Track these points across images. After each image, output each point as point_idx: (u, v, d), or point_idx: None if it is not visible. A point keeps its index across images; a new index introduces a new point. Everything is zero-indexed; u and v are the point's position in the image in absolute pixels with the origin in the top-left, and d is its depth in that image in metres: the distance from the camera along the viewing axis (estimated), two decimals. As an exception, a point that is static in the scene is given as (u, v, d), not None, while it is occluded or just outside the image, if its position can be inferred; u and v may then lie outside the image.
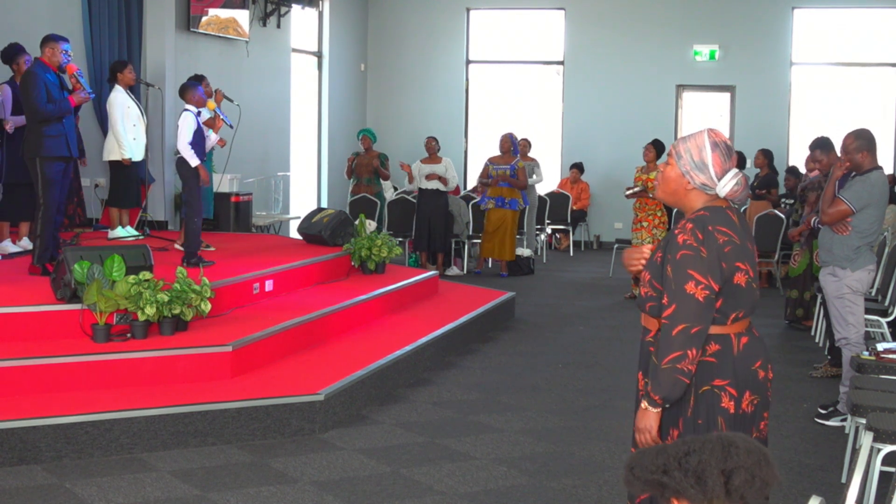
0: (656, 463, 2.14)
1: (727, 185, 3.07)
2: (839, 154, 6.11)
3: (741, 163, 12.65)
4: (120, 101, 9.01)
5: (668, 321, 2.98)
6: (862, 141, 5.89)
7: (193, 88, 8.09)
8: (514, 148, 11.68)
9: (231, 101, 9.34)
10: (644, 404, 3.06)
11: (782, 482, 4.80)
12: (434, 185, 11.58)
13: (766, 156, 12.53)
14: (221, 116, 8.44)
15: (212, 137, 8.18)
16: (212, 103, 8.32)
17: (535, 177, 12.98)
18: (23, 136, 7.56)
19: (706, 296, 2.97)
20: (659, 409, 3.04)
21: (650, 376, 3.04)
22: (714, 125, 14.26)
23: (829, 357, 7.22)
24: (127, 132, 9.00)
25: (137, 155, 9.15)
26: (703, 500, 2.07)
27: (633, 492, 2.16)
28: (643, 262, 3.28)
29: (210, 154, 9.08)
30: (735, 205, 3.16)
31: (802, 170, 10.09)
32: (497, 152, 11.76)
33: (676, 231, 3.06)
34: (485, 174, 11.70)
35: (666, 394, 2.99)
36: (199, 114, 8.00)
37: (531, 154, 13.26)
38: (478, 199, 12.05)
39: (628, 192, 10.40)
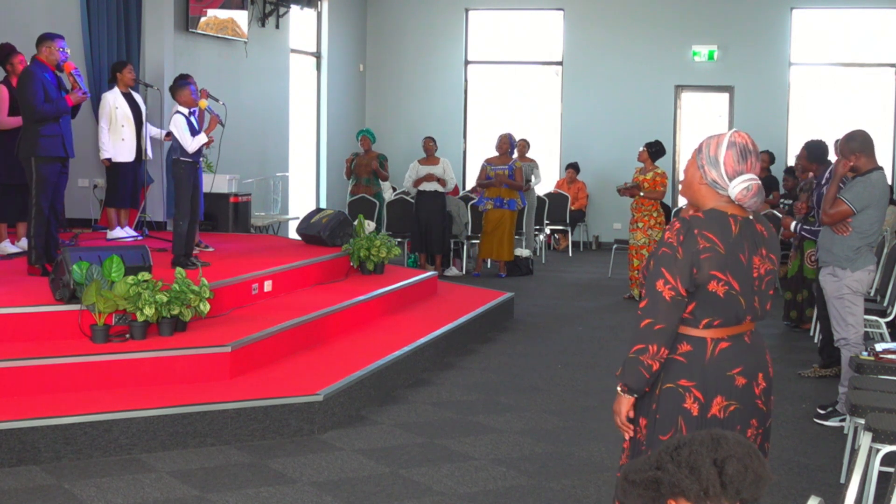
0: (649, 462, 2.15)
1: (737, 187, 3.06)
2: (838, 156, 6.11)
3: (770, 160, 12.63)
4: (108, 101, 9.04)
5: (640, 313, 3.08)
6: (855, 143, 5.87)
7: (184, 88, 7.97)
8: (511, 148, 11.68)
9: (217, 100, 9.30)
10: (618, 388, 3.15)
11: (776, 481, 4.79)
12: (432, 186, 11.58)
13: (768, 158, 12.55)
14: (215, 114, 8.37)
15: (201, 138, 8.04)
16: (203, 102, 8.27)
17: (534, 178, 12.98)
18: (18, 137, 7.56)
19: (672, 296, 3.02)
20: (630, 397, 3.13)
21: (622, 363, 3.13)
22: (713, 126, 14.34)
23: (820, 357, 7.22)
24: (115, 133, 9.02)
25: (125, 156, 9.13)
26: (700, 492, 2.08)
27: (631, 501, 2.17)
28: None
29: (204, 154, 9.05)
30: (748, 211, 3.12)
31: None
32: (494, 153, 11.77)
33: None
34: (483, 175, 11.69)
35: (628, 382, 3.09)
36: (192, 113, 7.93)
37: (530, 155, 13.27)
38: (476, 199, 12.06)
39: (621, 189, 10.42)
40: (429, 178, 11.54)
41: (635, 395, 3.12)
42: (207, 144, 8.43)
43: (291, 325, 6.78)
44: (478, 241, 11.99)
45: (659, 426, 3.07)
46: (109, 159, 9.06)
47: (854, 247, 5.86)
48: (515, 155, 12.94)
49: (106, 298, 5.89)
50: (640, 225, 10.21)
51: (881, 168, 5.95)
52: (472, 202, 12.14)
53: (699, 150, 3.14)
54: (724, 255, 3.02)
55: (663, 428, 3.06)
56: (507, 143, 11.63)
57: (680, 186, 3.38)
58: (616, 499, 2.25)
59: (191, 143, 7.72)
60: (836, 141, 9.93)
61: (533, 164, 13.07)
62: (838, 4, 14.71)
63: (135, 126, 9.17)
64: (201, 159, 8.02)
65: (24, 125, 7.36)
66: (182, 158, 7.75)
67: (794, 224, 6.91)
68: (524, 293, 10.43)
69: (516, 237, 12.39)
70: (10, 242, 8.39)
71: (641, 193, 10.12)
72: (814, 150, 6.93)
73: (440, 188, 11.60)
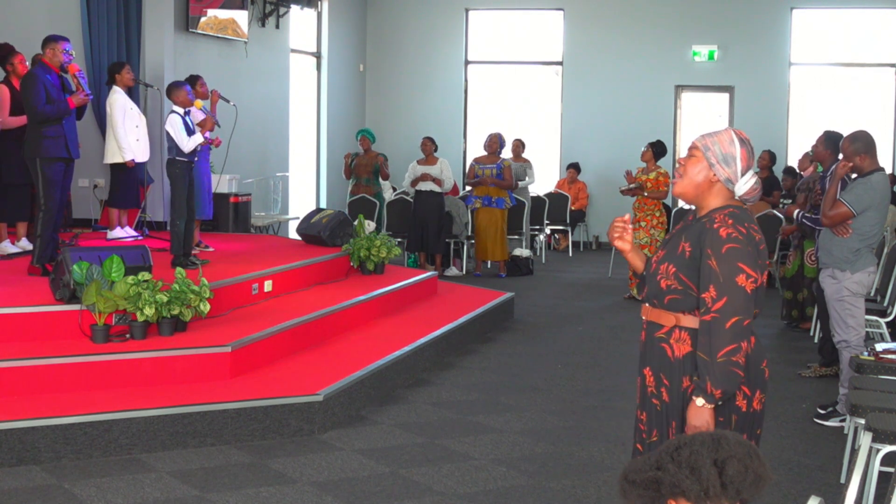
0: (649, 462, 2.15)
1: (747, 182, 3.11)
2: (839, 158, 6.08)
3: (772, 159, 12.62)
4: (121, 103, 8.98)
5: (718, 314, 2.98)
6: (859, 144, 5.86)
7: (180, 88, 7.97)
8: (500, 148, 11.71)
9: (228, 101, 9.32)
10: (700, 401, 3.00)
11: (776, 480, 4.78)
12: (428, 185, 11.60)
13: (770, 158, 12.56)
14: (211, 116, 8.38)
15: (196, 137, 7.99)
16: (199, 102, 8.26)
17: (528, 178, 13.00)
18: (20, 137, 7.58)
19: (753, 289, 3.01)
20: (713, 406, 3.01)
21: (701, 372, 3.00)
22: (713, 126, 14.33)
23: (820, 356, 7.22)
24: (129, 133, 9.00)
25: (142, 156, 9.15)
26: (700, 492, 2.08)
27: (630, 502, 2.17)
28: (626, 232, 3.31)
29: (206, 154, 9.06)
30: (746, 206, 3.19)
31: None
32: (482, 152, 11.78)
33: (716, 225, 3.05)
34: (471, 174, 11.69)
35: (725, 387, 2.98)
36: (187, 113, 7.93)
37: (524, 155, 13.27)
38: (454, 198, 12.03)
39: (623, 189, 10.42)
40: (424, 177, 11.55)
41: (719, 404, 3.03)
42: (216, 143, 8.40)
43: (291, 325, 6.78)
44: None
45: (720, 428, 3.01)
46: (133, 160, 9.04)
47: (853, 248, 5.84)
48: (509, 155, 12.99)
49: (106, 298, 5.89)
50: (643, 224, 10.21)
51: (883, 169, 5.93)
52: (466, 201, 12.10)
53: (706, 149, 3.13)
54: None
55: (723, 428, 3.01)
56: (497, 143, 11.65)
57: (649, 192, 3.42)
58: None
59: (186, 143, 7.72)
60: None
61: (527, 165, 13.08)
62: (838, 4, 14.70)
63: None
64: (196, 158, 7.98)
65: (28, 126, 7.39)
66: (177, 158, 7.74)
67: (796, 212, 6.90)
68: (524, 293, 10.43)
69: (516, 237, 12.42)
70: (10, 242, 8.39)
71: (645, 193, 10.12)
72: (833, 138, 6.88)
73: (436, 188, 11.61)
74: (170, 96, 8.04)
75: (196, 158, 7.95)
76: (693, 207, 3.25)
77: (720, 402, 3.02)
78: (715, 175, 3.11)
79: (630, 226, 3.36)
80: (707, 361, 2.99)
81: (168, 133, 7.76)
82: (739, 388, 3.07)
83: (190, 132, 7.77)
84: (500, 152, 11.71)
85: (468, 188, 11.98)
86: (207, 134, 8.10)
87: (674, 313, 3.13)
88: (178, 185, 7.75)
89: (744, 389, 3.07)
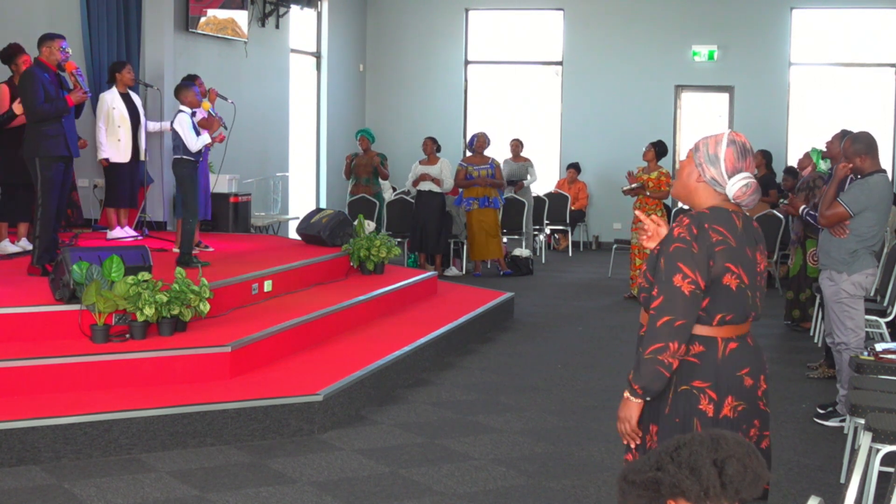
0: (649, 462, 2.16)
1: (736, 184, 3.06)
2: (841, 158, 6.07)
3: (768, 160, 12.58)
4: (107, 102, 9.07)
5: (654, 312, 3.01)
6: (860, 145, 5.84)
7: (188, 89, 8.08)
8: (486, 148, 11.76)
9: (226, 99, 9.32)
10: (626, 393, 3.09)
11: (776, 480, 4.78)
12: (427, 185, 11.61)
13: (764, 157, 12.57)
14: (217, 116, 8.42)
15: (204, 138, 8.07)
16: (207, 104, 8.31)
17: (530, 177, 13.00)
18: (22, 137, 7.58)
19: (692, 290, 2.98)
20: (640, 401, 3.07)
21: (633, 366, 3.07)
22: (713, 126, 14.35)
23: (825, 356, 7.21)
24: (109, 134, 9.04)
25: (122, 157, 9.14)
26: (700, 493, 2.08)
27: (630, 502, 2.16)
28: (653, 228, 3.30)
29: (206, 154, 9.07)
30: (744, 209, 3.15)
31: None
32: (468, 154, 11.84)
33: (674, 225, 3.07)
34: (462, 176, 11.67)
35: (645, 384, 3.02)
36: (193, 114, 7.98)
37: (524, 154, 13.28)
38: (454, 199, 12.01)
39: (625, 189, 10.42)
40: (424, 177, 11.57)
41: (647, 399, 3.06)
42: (219, 139, 8.45)
43: (291, 325, 6.78)
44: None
45: (676, 430, 3.01)
46: (107, 159, 9.08)
47: (850, 250, 5.81)
48: (508, 155, 13.01)
49: (106, 298, 5.89)
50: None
51: (884, 171, 5.89)
52: (454, 200, 12.05)
53: (696, 150, 3.14)
54: (735, 248, 3.04)
55: (681, 432, 2.97)
56: (485, 143, 11.70)
57: (651, 192, 3.40)
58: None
59: (195, 143, 7.76)
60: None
61: (528, 164, 13.08)
62: (838, 4, 14.71)
63: (131, 127, 9.17)
64: (200, 159, 8.02)
65: (27, 125, 7.39)
66: (185, 157, 7.80)
67: (802, 208, 6.88)
68: (524, 293, 10.43)
69: (516, 237, 12.41)
70: (10, 242, 8.39)
71: (647, 193, 10.11)
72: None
73: (435, 188, 11.62)
74: (178, 96, 8.11)
75: (200, 158, 8.00)
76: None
77: (647, 398, 3.07)
78: (700, 175, 3.12)
79: (653, 226, 3.28)
80: (638, 356, 3.05)
81: (176, 132, 7.80)
82: (704, 393, 3.02)
83: (197, 132, 7.83)
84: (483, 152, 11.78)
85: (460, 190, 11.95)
86: (214, 134, 8.15)
87: (647, 312, 3.15)
88: (189, 185, 7.81)
89: (710, 393, 3.03)
